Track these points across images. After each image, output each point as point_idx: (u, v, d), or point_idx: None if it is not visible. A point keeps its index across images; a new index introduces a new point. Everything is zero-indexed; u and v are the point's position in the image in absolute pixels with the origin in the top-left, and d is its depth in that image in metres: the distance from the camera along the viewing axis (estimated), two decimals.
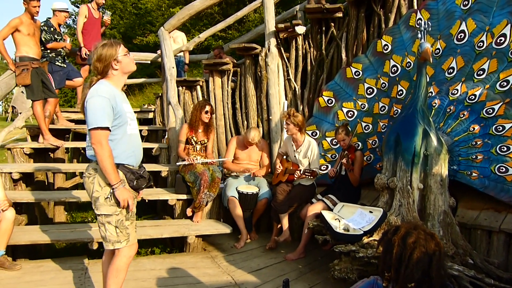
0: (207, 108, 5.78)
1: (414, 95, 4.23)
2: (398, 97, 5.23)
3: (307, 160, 5.37)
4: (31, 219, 5.48)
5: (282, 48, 6.55)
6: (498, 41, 4.38)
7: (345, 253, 3.92)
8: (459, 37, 4.71)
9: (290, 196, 5.34)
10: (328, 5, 6.05)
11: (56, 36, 6.71)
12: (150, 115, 9.59)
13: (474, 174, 4.44)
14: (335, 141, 5.67)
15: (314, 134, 5.92)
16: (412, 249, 2.17)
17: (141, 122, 9.37)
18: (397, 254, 2.20)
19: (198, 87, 7.58)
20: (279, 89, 6.50)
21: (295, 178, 5.35)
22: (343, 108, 5.75)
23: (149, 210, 7.07)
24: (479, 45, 4.53)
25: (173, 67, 7.27)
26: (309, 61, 6.44)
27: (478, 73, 4.52)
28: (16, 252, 4.67)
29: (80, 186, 7.05)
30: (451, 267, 3.52)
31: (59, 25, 6.98)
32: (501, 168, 4.27)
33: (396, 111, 5.19)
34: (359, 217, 4.26)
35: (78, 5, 20.68)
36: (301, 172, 5.19)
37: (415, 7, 5.37)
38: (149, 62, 10.02)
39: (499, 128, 4.31)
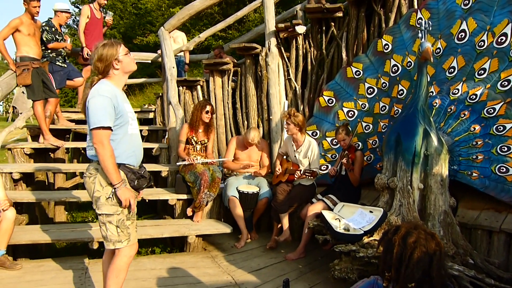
0: (208, 108, 5.78)
1: (415, 95, 4.22)
2: (398, 96, 5.23)
3: (307, 160, 5.37)
4: (32, 219, 5.48)
5: (282, 48, 6.55)
6: (499, 40, 4.37)
7: (345, 253, 3.92)
8: (459, 36, 4.70)
9: (290, 196, 5.34)
10: (328, 5, 6.05)
11: (57, 36, 6.71)
12: (151, 115, 9.59)
13: (474, 174, 4.44)
14: (335, 141, 5.66)
15: (314, 134, 5.92)
16: (413, 249, 2.17)
17: (142, 122, 9.37)
18: (398, 254, 2.20)
19: (199, 87, 7.58)
20: (279, 88, 6.49)
21: (295, 178, 5.35)
22: (343, 108, 5.74)
23: (150, 210, 7.07)
24: (480, 44, 4.52)
25: (173, 67, 7.27)
26: (309, 60, 6.43)
27: (479, 72, 4.51)
28: (17, 251, 4.68)
29: (80, 186, 7.06)
30: (452, 267, 3.52)
31: (60, 25, 6.98)
32: (501, 168, 4.26)
33: (397, 111, 5.18)
34: (360, 217, 4.26)
35: (78, 5, 20.69)
36: (301, 172, 5.18)
37: (416, 6, 5.37)
38: (149, 61, 10.01)
39: (500, 128, 4.30)
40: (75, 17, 20.45)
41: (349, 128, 5.25)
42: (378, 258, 3.47)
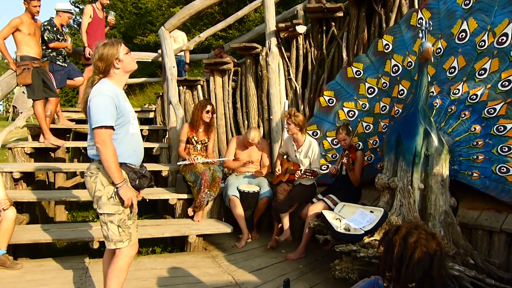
0: (208, 107, 5.78)
1: (415, 95, 4.21)
2: (399, 96, 5.23)
3: (308, 160, 5.37)
4: (32, 218, 5.49)
5: (282, 48, 6.55)
6: (500, 40, 4.37)
7: (346, 253, 3.92)
8: (460, 36, 4.70)
9: (290, 196, 5.34)
10: (329, 5, 6.05)
11: (58, 36, 6.72)
12: (151, 115, 9.59)
13: (475, 174, 4.44)
14: (336, 141, 5.66)
15: (315, 134, 5.92)
16: (413, 248, 2.17)
17: (142, 121, 9.37)
18: (398, 254, 2.20)
19: (199, 86, 7.58)
20: (279, 88, 6.49)
21: (295, 178, 5.35)
22: (344, 108, 5.74)
23: (150, 210, 7.07)
24: (480, 44, 4.52)
25: (173, 67, 7.27)
26: (310, 60, 6.43)
27: (480, 72, 4.51)
28: (17, 251, 4.67)
29: (80, 186, 7.06)
30: (452, 267, 3.52)
31: (62, 25, 6.98)
32: (502, 168, 4.26)
33: (397, 111, 5.18)
34: (360, 217, 4.25)
35: (78, 5, 20.68)
36: (302, 172, 5.18)
37: (416, 6, 5.37)
38: (150, 61, 10.00)
39: (501, 128, 4.30)
40: (75, 17, 20.43)
41: (350, 128, 5.25)
42: (378, 258, 3.47)
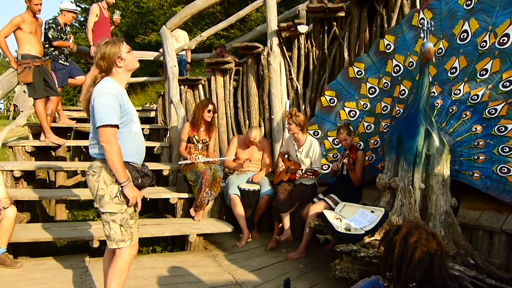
0: (210, 107, 5.79)
1: (417, 95, 4.21)
2: (400, 97, 5.22)
3: (309, 160, 5.37)
4: (33, 217, 5.48)
5: (284, 47, 6.55)
6: (501, 41, 4.37)
7: (346, 252, 3.92)
8: (462, 37, 4.70)
9: (291, 196, 5.34)
10: (331, 5, 6.05)
11: (62, 34, 6.74)
12: (152, 114, 9.61)
13: (476, 175, 4.43)
14: (337, 141, 5.66)
15: (316, 134, 5.92)
16: (414, 248, 2.16)
17: (143, 120, 9.38)
18: (399, 254, 2.19)
19: (200, 86, 7.59)
20: (281, 88, 6.49)
21: (296, 178, 5.35)
22: (345, 108, 5.74)
23: (151, 209, 7.07)
24: (482, 45, 4.52)
25: (175, 66, 7.28)
26: (311, 60, 6.43)
27: (481, 73, 4.51)
28: (17, 249, 4.67)
29: (81, 185, 7.05)
30: (452, 267, 3.51)
31: (65, 24, 6.99)
32: (503, 168, 4.26)
33: (398, 111, 5.18)
34: (361, 216, 4.25)
35: (79, 4, 20.70)
36: (303, 172, 5.18)
37: (418, 6, 5.37)
38: (151, 59, 10.00)
39: (502, 129, 4.30)
40: (77, 16, 20.45)
41: (351, 128, 5.25)
42: (379, 258, 3.47)
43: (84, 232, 4.78)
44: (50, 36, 6.53)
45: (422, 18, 4.99)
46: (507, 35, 4.32)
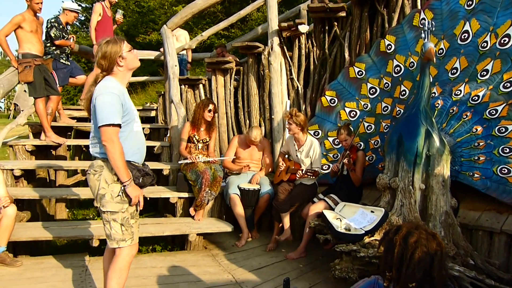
0: (211, 106, 5.79)
1: (417, 96, 4.21)
2: (401, 97, 5.22)
3: (309, 160, 5.37)
4: (33, 216, 5.48)
5: (285, 47, 6.55)
6: (502, 41, 4.36)
7: (346, 252, 3.92)
8: (462, 37, 4.69)
9: (291, 196, 5.34)
10: (332, 4, 6.05)
11: (64, 34, 6.74)
12: (152, 113, 9.61)
13: (476, 175, 4.43)
14: (337, 141, 5.66)
15: (316, 134, 5.92)
16: (414, 248, 2.16)
17: (143, 120, 9.35)
18: (399, 254, 2.19)
19: (201, 85, 7.59)
20: (281, 88, 6.49)
21: (297, 178, 5.35)
22: (345, 108, 5.74)
23: (151, 208, 7.07)
24: (482, 45, 4.51)
25: (175, 66, 7.27)
26: (312, 60, 6.43)
27: (482, 73, 4.50)
28: (17, 248, 4.67)
29: (81, 184, 7.06)
30: (452, 268, 3.51)
31: (67, 23, 7.00)
32: (503, 169, 4.25)
33: (399, 111, 5.17)
34: (361, 216, 4.25)
35: (80, 3, 20.70)
36: (303, 172, 5.18)
37: (419, 7, 5.38)
38: (152, 58, 10.00)
39: (502, 130, 4.29)
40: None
41: (351, 128, 5.25)
42: (379, 258, 3.47)
43: (84, 231, 4.78)
44: (53, 35, 6.53)
45: (423, 18, 4.99)
46: (508, 36, 4.32)
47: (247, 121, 6.99)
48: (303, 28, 6.26)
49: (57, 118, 7.34)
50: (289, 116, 5.29)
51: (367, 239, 3.92)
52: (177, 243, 5.56)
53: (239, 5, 13.24)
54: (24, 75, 5.92)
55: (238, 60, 7.57)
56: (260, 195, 5.66)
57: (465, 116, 4.57)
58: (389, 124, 5.30)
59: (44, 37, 6.51)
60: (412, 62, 5.14)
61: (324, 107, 5.90)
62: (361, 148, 5.46)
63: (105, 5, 7.82)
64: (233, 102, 7.22)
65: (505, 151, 4.26)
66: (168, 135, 7.31)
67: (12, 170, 5.39)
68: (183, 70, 9.27)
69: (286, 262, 4.95)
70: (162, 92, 8.85)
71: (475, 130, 4.49)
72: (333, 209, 4.80)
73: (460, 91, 4.65)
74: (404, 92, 5.19)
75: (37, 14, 6.09)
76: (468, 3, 4.67)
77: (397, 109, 5.22)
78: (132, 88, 15.29)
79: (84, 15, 20.51)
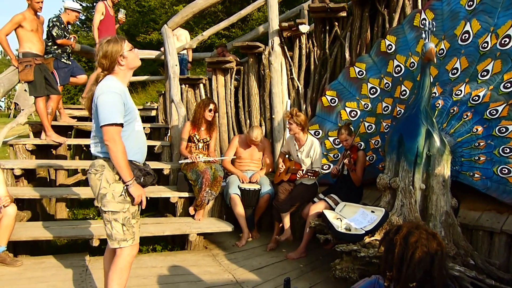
0: (211, 106, 5.78)
1: (418, 96, 4.21)
2: (401, 97, 5.22)
3: (309, 160, 5.37)
4: (33, 215, 5.48)
5: (285, 47, 6.55)
6: (503, 42, 4.36)
7: (346, 252, 3.92)
8: (463, 37, 4.69)
9: (292, 195, 5.34)
10: (332, 4, 6.05)
11: (66, 33, 6.74)
12: (153, 113, 9.61)
13: (476, 175, 4.43)
14: (337, 141, 5.66)
15: (316, 134, 5.92)
16: (414, 248, 2.16)
17: (144, 119, 9.36)
18: (399, 254, 2.19)
19: (201, 85, 7.59)
20: (282, 88, 6.50)
21: (297, 178, 5.35)
22: (346, 108, 5.74)
23: (151, 208, 7.07)
24: (483, 46, 4.51)
25: (176, 65, 7.28)
26: (312, 60, 6.44)
27: (482, 74, 4.50)
28: (18, 248, 4.67)
29: (82, 183, 7.06)
30: (452, 268, 3.51)
31: (68, 23, 7.00)
32: (503, 169, 4.25)
33: (399, 111, 5.17)
34: (361, 216, 4.25)
35: (80, 2, 20.70)
36: (304, 172, 5.18)
37: (420, 7, 5.38)
38: (153, 57, 10.00)
39: (503, 130, 4.29)
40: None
41: (352, 128, 5.25)
42: (379, 257, 3.47)
43: (84, 231, 4.78)
44: (55, 34, 6.53)
45: (424, 19, 4.99)
46: (509, 36, 4.32)
47: (248, 121, 6.99)
48: (304, 28, 6.27)
49: (57, 117, 7.35)
50: (289, 116, 5.29)
51: (367, 239, 3.92)
52: (178, 243, 5.56)
53: (239, 5, 13.25)
54: (25, 74, 5.92)
55: (238, 59, 7.58)
56: (260, 195, 5.66)
57: (465, 116, 4.57)
58: (389, 124, 5.30)
59: (45, 36, 6.51)
60: (412, 62, 5.14)
61: (325, 107, 5.90)
62: (361, 148, 5.46)
63: (107, 4, 7.82)
64: (234, 101, 7.23)
65: (505, 151, 4.26)
66: (169, 134, 7.31)
67: (12, 169, 5.38)
68: (184, 70, 9.27)
69: (287, 262, 4.96)
70: (163, 92, 8.85)
71: (475, 130, 4.49)
72: (333, 209, 4.80)
73: (461, 91, 4.65)
74: (404, 92, 5.19)
75: (38, 13, 6.08)
76: (469, 4, 4.67)
77: (398, 109, 5.22)
78: (133, 87, 15.30)
79: (84, 14, 20.52)
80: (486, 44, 4.49)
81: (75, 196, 5.28)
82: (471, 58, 4.60)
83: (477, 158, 4.44)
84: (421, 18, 5.06)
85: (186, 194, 5.63)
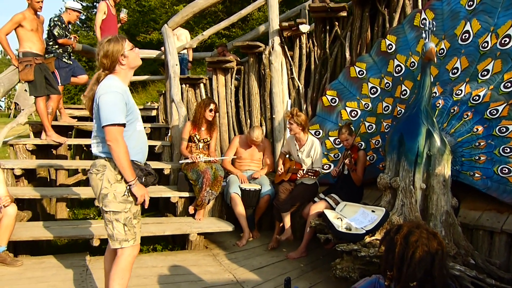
0: (212, 106, 5.78)
1: (418, 95, 4.21)
2: (401, 97, 5.22)
3: (310, 159, 5.37)
4: (33, 215, 5.47)
5: (286, 47, 6.55)
6: (503, 42, 4.36)
7: (347, 252, 3.92)
8: (463, 37, 4.69)
9: (292, 195, 5.34)
10: (333, 4, 6.05)
11: (67, 32, 6.74)
12: (153, 113, 9.60)
13: (477, 175, 4.43)
14: (338, 141, 5.65)
15: (317, 133, 5.92)
16: (415, 248, 2.16)
17: (144, 119, 9.28)
18: (400, 253, 2.19)
19: (202, 85, 7.59)
20: (282, 87, 6.50)
21: (297, 177, 5.35)
22: (346, 108, 5.74)
23: (151, 208, 7.05)
24: (483, 45, 4.51)
25: (176, 65, 7.28)
26: (313, 60, 6.43)
27: (482, 73, 4.50)
28: (18, 248, 4.67)
29: (82, 183, 7.05)
30: (453, 267, 3.51)
31: (69, 22, 7.00)
32: (504, 169, 4.25)
33: (400, 111, 5.17)
34: (362, 216, 4.25)
35: (80, 2, 20.68)
36: (304, 172, 5.18)
37: (420, 7, 5.37)
38: (153, 57, 9.99)
39: (503, 130, 4.29)
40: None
41: (352, 128, 5.25)
42: (379, 257, 3.47)
43: (84, 231, 4.78)
44: (56, 33, 6.53)
45: (424, 18, 4.98)
46: (509, 36, 4.32)
47: (248, 121, 6.99)
48: (304, 28, 6.27)
49: (58, 117, 7.35)
50: (290, 116, 5.29)
51: (368, 239, 3.92)
52: (178, 242, 5.56)
53: (240, 5, 13.25)
54: (25, 74, 5.92)
55: (239, 59, 7.58)
56: (260, 195, 5.67)
57: (466, 116, 4.57)
58: (390, 124, 5.30)
59: (46, 36, 6.51)
60: (413, 62, 5.14)
61: (325, 107, 5.90)
62: (362, 147, 5.46)
63: (109, 4, 7.82)
64: (234, 101, 7.23)
65: (505, 151, 4.26)
66: (169, 134, 7.31)
67: (12, 169, 5.39)
68: (184, 69, 9.27)
69: (287, 261, 4.96)
70: (163, 91, 8.85)
71: (476, 130, 4.49)
72: (334, 209, 4.80)
73: (461, 91, 4.65)
74: (405, 92, 5.19)
75: (38, 12, 6.08)
76: (469, 4, 4.67)
77: (398, 108, 5.22)
78: (133, 87, 15.29)
79: (84, 14, 20.51)
80: (486, 44, 4.49)
81: (75, 196, 5.28)
82: (471, 58, 4.60)
83: (477, 157, 4.44)
84: (421, 17, 5.06)
85: (186, 194, 5.64)
